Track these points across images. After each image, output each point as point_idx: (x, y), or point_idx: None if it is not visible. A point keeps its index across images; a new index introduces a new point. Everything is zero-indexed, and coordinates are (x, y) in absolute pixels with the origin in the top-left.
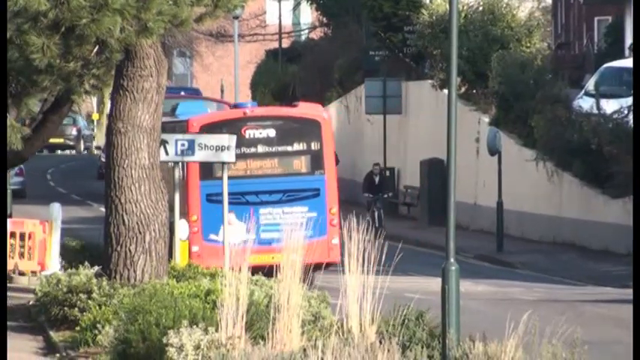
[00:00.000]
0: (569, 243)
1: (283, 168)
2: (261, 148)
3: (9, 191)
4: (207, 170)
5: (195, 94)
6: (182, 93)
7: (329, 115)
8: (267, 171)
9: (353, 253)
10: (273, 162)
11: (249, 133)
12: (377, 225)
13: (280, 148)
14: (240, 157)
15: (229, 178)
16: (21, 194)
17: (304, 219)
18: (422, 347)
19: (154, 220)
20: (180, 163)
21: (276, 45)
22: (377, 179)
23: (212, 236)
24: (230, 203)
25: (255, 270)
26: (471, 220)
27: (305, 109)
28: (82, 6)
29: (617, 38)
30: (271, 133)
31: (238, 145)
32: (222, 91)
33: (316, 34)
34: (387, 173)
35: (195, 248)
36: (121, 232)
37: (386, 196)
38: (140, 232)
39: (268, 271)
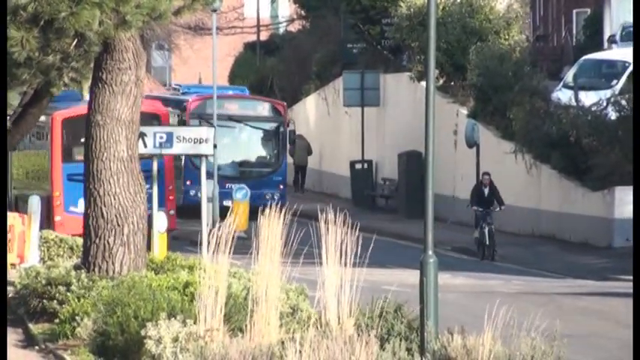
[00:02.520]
0: (549, 235)
1: None
2: None
3: None
4: (68, 155)
5: (241, 92)
6: (230, 92)
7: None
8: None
9: (330, 245)
10: None
11: None
12: (487, 243)
13: None
14: None
15: None
16: None
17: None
18: (400, 340)
19: (132, 213)
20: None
21: (254, 38)
22: (486, 191)
23: (72, 208)
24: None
25: None
26: (449, 212)
27: (147, 105)
28: None
29: (596, 30)
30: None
31: None
32: (200, 84)
33: (294, 27)
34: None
35: (57, 218)
36: (100, 225)
37: (498, 209)
38: (119, 225)
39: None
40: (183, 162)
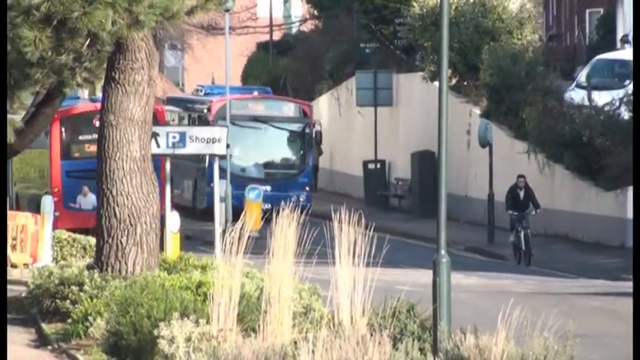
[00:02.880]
0: (562, 235)
1: None
2: None
3: None
4: (67, 152)
5: (265, 92)
6: (255, 93)
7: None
8: None
9: (343, 245)
10: None
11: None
12: (523, 248)
13: None
14: (92, 141)
15: (85, 157)
16: None
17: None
18: (413, 340)
19: (145, 213)
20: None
21: (267, 38)
22: (522, 194)
23: (70, 204)
24: (86, 178)
25: None
26: (462, 212)
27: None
28: None
29: (609, 30)
30: None
31: (90, 132)
32: (213, 84)
33: (307, 27)
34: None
35: (56, 214)
36: (113, 225)
37: (534, 212)
38: (131, 225)
39: None
40: (207, 163)
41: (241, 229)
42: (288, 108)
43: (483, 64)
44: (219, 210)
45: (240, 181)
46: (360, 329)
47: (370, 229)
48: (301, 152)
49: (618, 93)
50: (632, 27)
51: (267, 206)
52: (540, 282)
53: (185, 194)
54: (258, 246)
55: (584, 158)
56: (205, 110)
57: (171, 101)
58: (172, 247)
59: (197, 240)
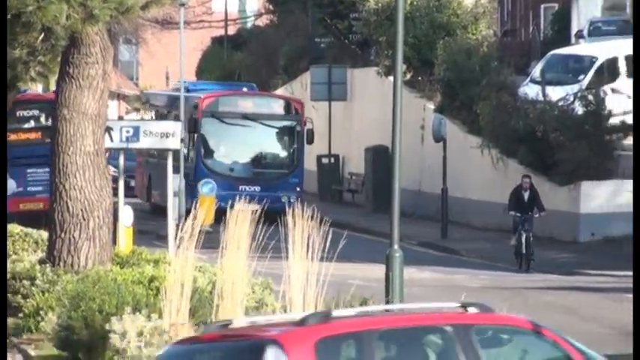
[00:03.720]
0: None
1: (45, 139)
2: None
3: None
4: None
5: (251, 89)
6: (244, 89)
7: None
8: (34, 141)
9: (297, 239)
10: (37, 134)
11: (20, 113)
12: (524, 252)
13: (45, 124)
14: (15, 130)
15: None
16: None
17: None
18: None
19: (98, 207)
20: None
21: (222, 32)
22: (526, 195)
23: None
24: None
25: (24, 215)
26: (415, 207)
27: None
28: None
29: (564, 25)
30: (36, 112)
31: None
32: (167, 79)
33: (262, 21)
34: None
35: None
36: (65, 219)
37: (537, 215)
38: (84, 219)
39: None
40: (195, 163)
41: (194, 223)
42: (279, 105)
43: (438, 59)
44: (173, 204)
45: (228, 182)
46: None
47: (326, 224)
48: (292, 151)
49: (572, 88)
50: (586, 23)
51: (256, 208)
52: (494, 276)
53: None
54: (212, 240)
55: (537, 153)
56: (192, 107)
57: (151, 98)
58: (125, 242)
59: (151, 234)
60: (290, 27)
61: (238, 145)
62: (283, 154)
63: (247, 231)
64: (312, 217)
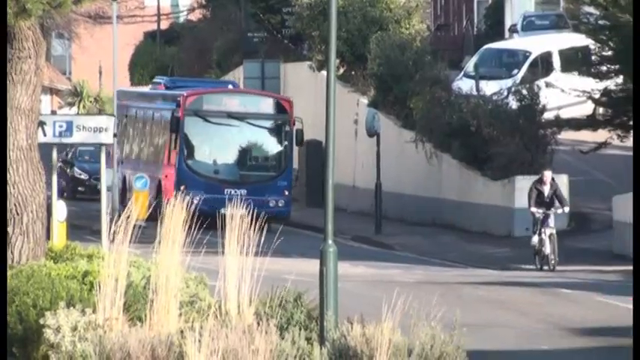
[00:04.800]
0: (449, 225)
1: None
2: None
3: None
4: None
5: (234, 86)
6: (230, 87)
7: None
8: None
9: (232, 234)
10: None
11: None
12: (547, 252)
13: None
14: None
15: None
16: None
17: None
18: (300, 329)
19: (31, 202)
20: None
21: (154, 27)
22: (547, 190)
23: None
24: None
25: None
26: (349, 201)
27: None
28: None
29: (497, 20)
30: None
31: None
32: (100, 73)
33: (195, 16)
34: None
35: None
36: None
37: (560, 211)
38: (17, 214)
39: None
40: (176, 165)
41: (128, 218)
42: (267, 103)
43: (371, 53)
44: (106, 198)
45: (212, 185)
46: (246, 319)
47: (263, 220)
48: (280, 152)
49: (506, 82)
50: (520, 17)
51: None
52: (428, 272)
53: None
54: (146, 235)
55: (471, 148)
56: (174, 105)
57: (127, 95)
58: (59, 236)
59: (84, 229)
60: (223, 22)
61: (223, 145)
62: (271, 155)
63: (181, 225)
64: (247, 212)
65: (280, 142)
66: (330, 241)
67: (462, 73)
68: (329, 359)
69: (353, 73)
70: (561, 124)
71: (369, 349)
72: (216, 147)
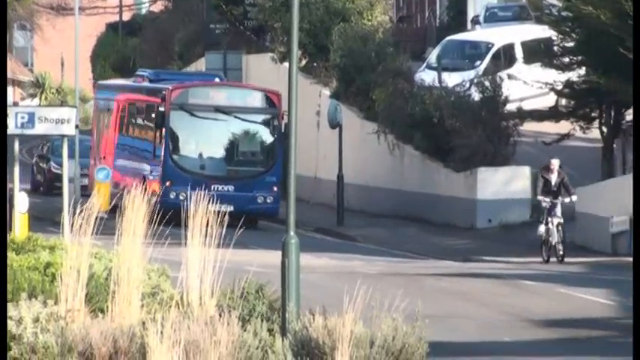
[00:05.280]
0: (411, 216)
1: None
2: None
3: None
4: None
5: (220, 79)
6: (216, 79)
7: None
8: None
9: (194, 226)
10: None
11: None
12: (554, 242)
13: None
14: None
15: None
16: None
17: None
18: (262, 320)
19: None
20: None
21: (116, 18)
22: (554, 178)
23: None
24: None
25: None
26: (311, 193)
27: None
28: None
29: (459, 11)
30: None
31: None
32: (62, 65)
33: (157, 7)
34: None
35: None
36: None
37: (568, 200)
38: None
39: None
40: (162, 160)
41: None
42: (255, 97)
43: (333, 45)
44: (68, 190)
45: (198, 180)
46: (208, 310)
47: (225, 214)
48: (269, 147)
49: (469, 74)
50: (482, 9)
51: (230, 209)
52: (390, 263)
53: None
54: (108, 227)
55: (433, 139)
56: (160, 99)
57: (108, 88)
58: (20, 228)
59: (46, 221)
60: (185, 13)
61: (210, 140)
62: (259, 150)
63: (143, 217)
64: (208, 204)
65: (268, 136)
66: (292, 233)
67: (425, 64)
68: (291, 351)
69: (315, 64)
70: (524, 115)
71: (331, 340)
72: (203, 142)
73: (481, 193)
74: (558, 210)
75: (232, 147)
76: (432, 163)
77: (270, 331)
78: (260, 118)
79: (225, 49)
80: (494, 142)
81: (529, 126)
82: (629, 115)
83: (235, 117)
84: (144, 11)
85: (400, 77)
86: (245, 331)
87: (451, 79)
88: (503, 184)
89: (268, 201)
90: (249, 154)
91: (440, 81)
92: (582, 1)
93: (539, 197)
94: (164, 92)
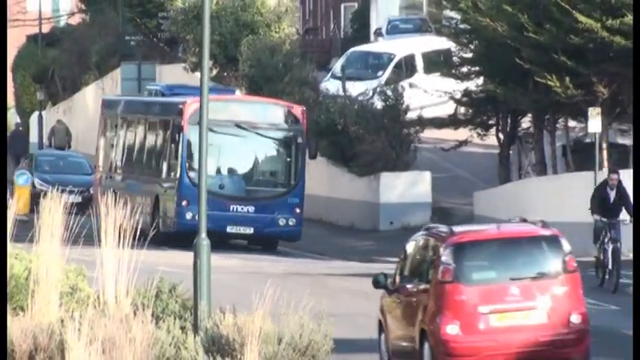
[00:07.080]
0: (317, 219)
1: None
2: None
3: None
4: None
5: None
6: (237, 93)
7: None
8: None
9: (109, 227)
10: None
11: None
12: (609, 266)
13: None
14: None
15: None
16: None
17: None
18: (175, 318)
19: None
20: None
21: (36, 30)
22: (613, 195)
23: None
24: None
25: None
26: None
27: None
28: None
29: (363, 24)
30: None
31: None
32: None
33: (75, 20)
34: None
35: None
36: None
37: (627, 222)
38: None
39: None
40: (178, 179)
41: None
42: (278, 112)
43: (243, 56)
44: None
45: (217, 201)
46: (124, 308)
47: (135, 213)
48: (291, 167)
49: (372, 83)
50: (385, 21)
51: (250, 231)
52: (296, 263)
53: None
54: (28, 229)
55: (338, 146)
56: (175, 114)
57: (115, 104)
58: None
59: None
60: (101, 25)
61: (229, 158)
62: (281, 169)
63: (60, 219)
64: (123, 206)
65: (291, 155)
66: (203, 235)
67: (330, 74)
68: (202, 347)
69: (225, 74)
70: (424, 123)
71: (241, 337)
72: (222, 160)
73: (384, 197)
74: (615, 232)
75: (252, 165)
76: (336, 168)
77: (182, 328)
78: (282, 134)
79: (140, 60)
80: (396, 148)
81: (429, 133)
82: (524, 123)
83: (256, 133)
84: (62, 24)
85: (306, 86)
86: (159, 328)
87: (355, 88)
88: (405, 188)
89: (290, 223)
90: (270, 174)
91: (344, 90)
92: (480, 14)
93: (596, 216)
94: (180, 106)
